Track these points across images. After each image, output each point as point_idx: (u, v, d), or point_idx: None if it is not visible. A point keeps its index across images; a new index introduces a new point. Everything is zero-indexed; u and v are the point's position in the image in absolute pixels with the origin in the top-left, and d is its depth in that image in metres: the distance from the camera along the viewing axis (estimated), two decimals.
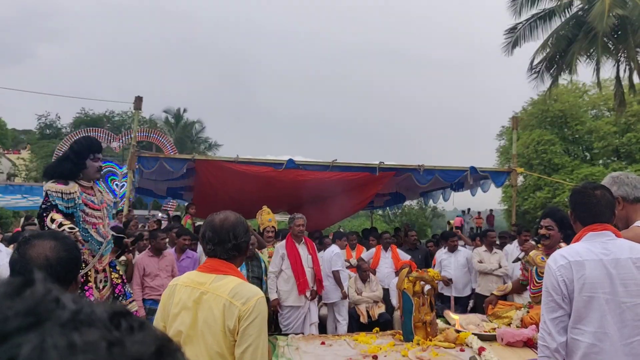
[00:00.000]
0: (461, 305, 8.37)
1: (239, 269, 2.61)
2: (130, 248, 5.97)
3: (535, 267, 4.40)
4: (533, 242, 4.35)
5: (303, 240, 6.97)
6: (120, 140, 21.64)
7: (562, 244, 3.98)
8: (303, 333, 5.82)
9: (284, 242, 6.96)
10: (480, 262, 8.11)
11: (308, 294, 6.76)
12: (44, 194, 4.34)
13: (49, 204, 4.25)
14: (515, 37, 18.18)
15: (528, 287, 4.70)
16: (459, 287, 8.42)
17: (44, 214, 4.22)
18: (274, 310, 6.79)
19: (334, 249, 7.70)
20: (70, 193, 4.28)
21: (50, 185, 4.27)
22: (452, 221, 26.65)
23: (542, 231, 4.22)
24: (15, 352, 0.27)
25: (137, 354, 0.31)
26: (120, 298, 4.60)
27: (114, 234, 4.89)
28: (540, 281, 4.33)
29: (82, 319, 0.32)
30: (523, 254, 4.51)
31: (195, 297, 2.40)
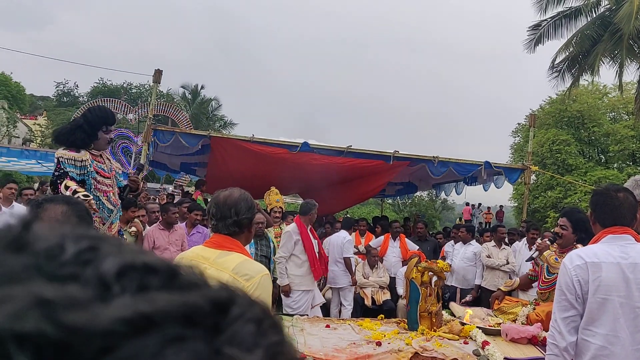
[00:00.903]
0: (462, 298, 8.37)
1: (247, 246, 2.62)
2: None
3: (546, 265, 4.39)
4: (548, 242, 4.33)
5: (309, 225, 6.96)
6: (137, 112, 21.74)
7: (579, 246, 3.96)
8: (307, 315, 5.85)
9: (295, 226, 6.79)
10: (489, 256, 8.10)
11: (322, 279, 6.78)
12: (55, 160, 4.37)
13: (61, 171, 4.26)
14: (538, 34, 17.96)
15: (537, 283, 4.70)
16: (460, 279, 8.40)
17: (58, 181, 4.24)
18: (282, 294, 6.76)
19: (345, 235, 7.70)
20: (82, 160, 4.30)
21: (62, 152, 4.28)
22: (462, 218, 26.63)
23: (557, 229, 4.21)
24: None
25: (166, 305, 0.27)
26: None
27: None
28: (549, 278, 4.33)
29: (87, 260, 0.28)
30: (537, 252, 4.49)
31: None
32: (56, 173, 4.30)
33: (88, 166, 4.32)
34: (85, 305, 0.26)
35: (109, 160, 4.68)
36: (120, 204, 4.68)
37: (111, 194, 4.51)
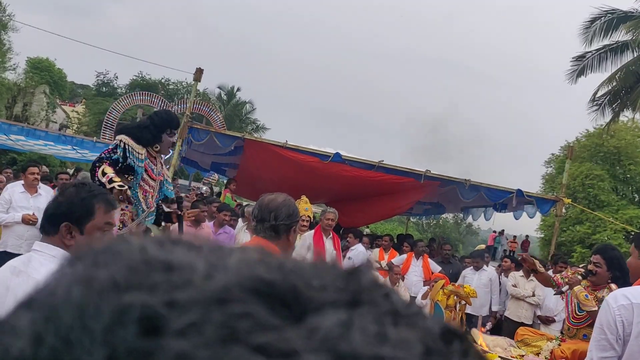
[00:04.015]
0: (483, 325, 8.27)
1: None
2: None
3: (576, 300, 4.29)
4: (579, 277, 4.24)
5: (331, 234, 6.97)
6: (173, 109, 22.00)
7: (613, 285, 3.86)
8: None
9: (312, 232, 6.94)
10: (514, 286, 7.94)
11: None
12: (114, 144, 4.39)
13: (108, 155, 4.29)
14: (582, 66, 17.73)
15: (565, 318, 4.58)
16: (476, 306, 8.28)
17: (97, 165, 4.24)
18: None
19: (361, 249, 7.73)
20: (138, 152, 4.34)
21: (125, 137, 4.32)
22: (482, 246, 26.34)
23: (590, 267, 4.11)
24: (321, 322, 0.27)
25: None
26: None
27: (166, 209, 4.87)
28: (580, 314, 4.22)
29: (405, 318, 0.29)
30: (567, 287, 4.39)
31: None
32: (103, 155, 4.30)
33: (142, 159, 4.37)
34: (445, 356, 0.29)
35: (162, 165, 4.74)
36: (154, 209, 4.67)
37: (150, 195, 4.52)
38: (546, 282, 4.87)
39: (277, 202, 2.56)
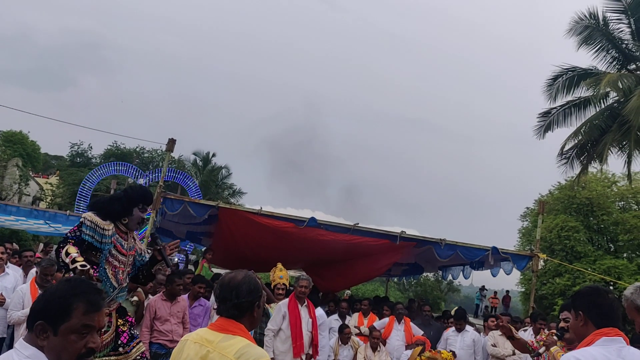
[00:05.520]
0: None
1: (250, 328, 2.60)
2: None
3: None
4: (555, 338, 4.22)
5: (305, 302, 6.88)
6: (147, 177, 22.02)
7: None
8: None
9: (286, 300, 6.82)
10: (494, 345, 7.88)
11: (303, 357, 6.62)
12: (79, 221, 4.37)
13: (75, 233, 4.26)
14: (548, 122, 18.29)
15: None
16: None
17: (61, 246, 4.20)
18: None
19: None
20: (103, 229, 4.31)
21: (89, 215, 4.33)
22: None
23: (562, 324, 4.11)
24: None
25: None
26: (125, 345, 4.48)
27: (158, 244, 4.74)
28: None
29: None
30: (544, 348, 4.37)
31: (202, 354, 2.43)
32: (69, 234, 4.30)
33: (109, 235, 4.34)
34: None
35: (134, 240, 4.67)
36: (126, 284, 4.60)
37: (120, 271, 4.45)
38: (522, 348, 4.83)
39: (238, 280, 2.56)
